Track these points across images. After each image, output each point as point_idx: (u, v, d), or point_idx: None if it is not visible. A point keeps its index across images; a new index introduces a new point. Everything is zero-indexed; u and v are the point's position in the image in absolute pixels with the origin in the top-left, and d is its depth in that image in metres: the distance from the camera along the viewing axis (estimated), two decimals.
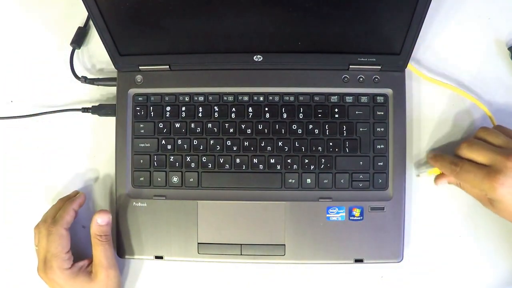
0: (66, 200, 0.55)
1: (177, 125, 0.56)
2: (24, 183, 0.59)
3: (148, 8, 0.49)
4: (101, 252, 0.52)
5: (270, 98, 0.55)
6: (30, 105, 0.59)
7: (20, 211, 0.58)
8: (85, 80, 0.58)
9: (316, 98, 0.55)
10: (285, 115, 0.55)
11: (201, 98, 0.56)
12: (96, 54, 0.60)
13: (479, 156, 0.50)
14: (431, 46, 0.57)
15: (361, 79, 0.55)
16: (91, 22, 0.58)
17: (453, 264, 0.56)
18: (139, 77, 0.56)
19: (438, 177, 0.55)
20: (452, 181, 0.55)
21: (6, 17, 0.61)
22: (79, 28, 0.59)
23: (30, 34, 0.60)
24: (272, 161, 0.55)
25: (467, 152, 0.51)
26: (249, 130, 0.55)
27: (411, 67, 0.56)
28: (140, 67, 0.55)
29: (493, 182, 0.48)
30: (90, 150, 0.59)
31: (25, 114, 0.58)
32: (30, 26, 0.60)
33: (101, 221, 0.53)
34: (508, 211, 0.49)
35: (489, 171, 0.48)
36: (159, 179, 0.55)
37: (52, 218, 0.53)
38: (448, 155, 0.54)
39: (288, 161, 0.55)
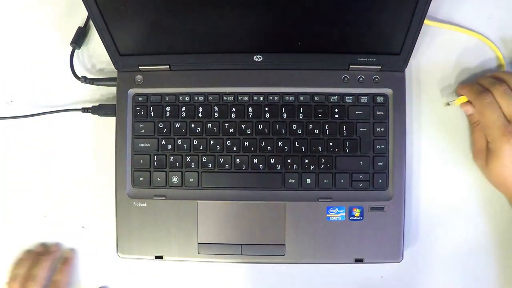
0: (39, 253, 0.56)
1: (177, 125, 0.55)
2: (24, 183, 0.59)
3: (148, 8, 0.49)
4: None
5: (270, 98, 0.55)
6: (30, 105, 0.59)
7: (20, 211, 0.58)
8: (85, 80, 0.58)
9: (316, 98, 0.55)
10: (285, 115, 0.55)
11: (201, 98, 0.56)
12: (96, 54, 0.60)
13: None
14: (431, 46, 0.57)
15: (361, 79, 0.55)
16: (91, 22, 0.57)
17: (453, 264, 0.56)
18: (139, 77, 0.56)
19: (464, 104, 0.54)
20: (473, 116, 0.54)
21: (6, 17, 0.61)
22: (79, 28, 0.59)
23: (30, 34, 0.60)
24: (272, 161, 0.55)
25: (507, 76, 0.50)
26: (249, 130, 0.55)
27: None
28: (140, 67, 0.55)
29: (509, 136, 0.46)
30: (90, 150, 0.59)
31: (25, 114, 0.58)
32: (30, 26, 0.60)
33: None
34: (497, 174, 0.48)
35: None
36: (159, 179, 0.55)
37: (24, 276, 0.54)
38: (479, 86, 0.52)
39: (288, 161, 0.55)
